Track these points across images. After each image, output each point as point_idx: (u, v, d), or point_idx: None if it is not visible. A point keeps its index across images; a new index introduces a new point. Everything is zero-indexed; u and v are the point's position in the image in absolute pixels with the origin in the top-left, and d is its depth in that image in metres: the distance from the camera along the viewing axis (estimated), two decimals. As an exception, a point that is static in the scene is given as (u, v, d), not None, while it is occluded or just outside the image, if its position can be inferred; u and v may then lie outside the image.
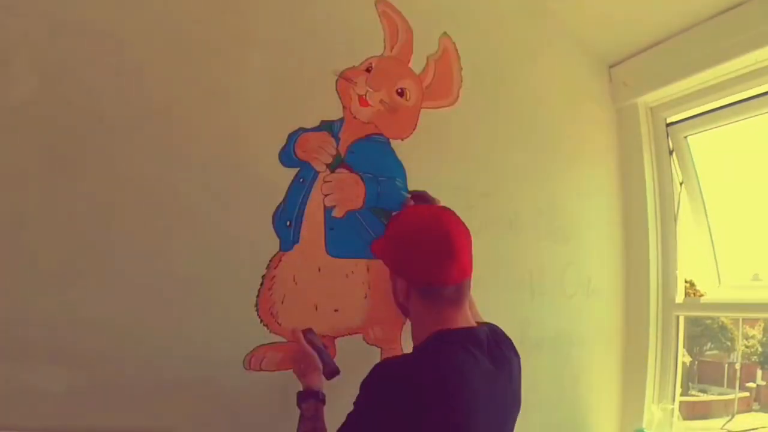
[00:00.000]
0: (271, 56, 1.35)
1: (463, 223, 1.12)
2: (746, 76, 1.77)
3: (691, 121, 1.96)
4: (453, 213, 1.14)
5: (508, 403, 1.08)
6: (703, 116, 1.93)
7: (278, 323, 1.32)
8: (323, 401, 1.17)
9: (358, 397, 0.97)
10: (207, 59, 1.26)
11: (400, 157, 1.51)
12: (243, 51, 1.31)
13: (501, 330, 1.17)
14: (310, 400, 1.15)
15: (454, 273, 1.05)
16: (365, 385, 0.97)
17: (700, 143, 2.05)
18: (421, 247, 1.07)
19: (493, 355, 1.04)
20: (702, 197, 2.02)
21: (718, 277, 2.05)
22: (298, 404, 1.17)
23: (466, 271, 1.08)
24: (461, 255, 1.07)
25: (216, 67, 1.27)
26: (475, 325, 1.09)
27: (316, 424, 1.13)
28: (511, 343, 1.15)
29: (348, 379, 1.27)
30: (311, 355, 1.21)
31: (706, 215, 2.02)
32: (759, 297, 1.91)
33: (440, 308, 1.05)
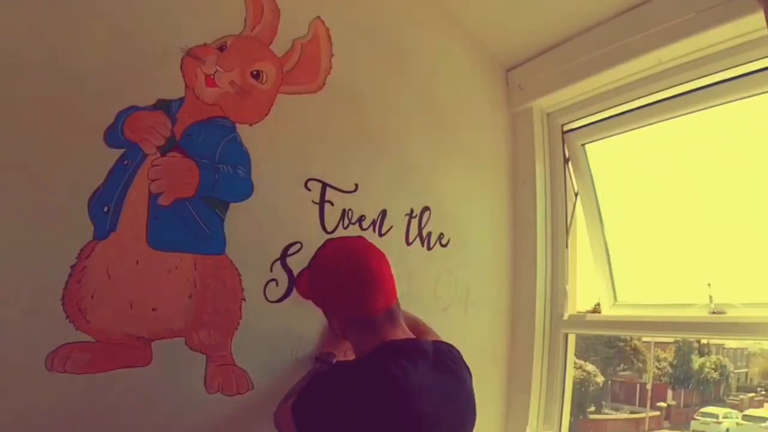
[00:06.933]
0: (111, 24, 1.22)
1: (379, 250, 1.18)
2: (643, 80, 1.70)
3: (588, 128, 1.88)
4: (368, 243, 1.20)
5: (456, 409, 1.11)
6: (600, 123, 1.85)
7: (87, 320, 1.18)
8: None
9: (306, 387, 1.08)
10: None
11: (247, 144, 1.38)
12: (80, 15, 1.18)
13: (454, 349, 1.20)
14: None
15: (380, 302, 1.12)
16: (318, 380, 1.10)
17: (600, 154, 1.98)
18: (344, 286, 1.13)
19: (437, 365, 1.10)
20: (598, 209, 1.93)
21: (614, 293, 1.96)
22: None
23: (390, 297, 1.15)
24: (384, 284, 1.14)
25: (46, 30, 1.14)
26: (414, 337, 1.15)
27: None
28: (462, 361, 1.19)
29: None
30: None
31: (602, 228, 1.93)
32: (654, 315, 1.82)
33: (377, 330, 1.12)
